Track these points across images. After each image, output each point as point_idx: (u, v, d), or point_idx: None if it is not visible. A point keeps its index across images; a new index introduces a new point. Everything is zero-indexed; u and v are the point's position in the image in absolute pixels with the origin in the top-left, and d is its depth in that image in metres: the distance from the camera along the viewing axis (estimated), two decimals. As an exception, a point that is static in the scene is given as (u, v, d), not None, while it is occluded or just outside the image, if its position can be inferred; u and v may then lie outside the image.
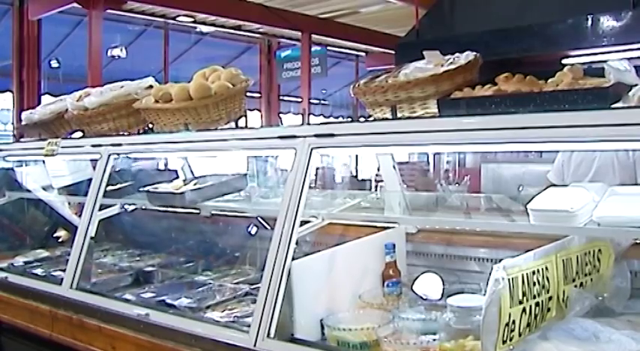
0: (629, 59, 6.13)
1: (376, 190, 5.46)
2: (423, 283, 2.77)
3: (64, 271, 3.83)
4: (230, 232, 4.09)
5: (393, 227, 3.16)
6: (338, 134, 2.68)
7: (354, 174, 12.13)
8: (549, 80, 2.44)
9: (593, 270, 2.55)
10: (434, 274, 2.79)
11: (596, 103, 2.14)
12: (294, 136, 2.78)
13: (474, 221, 2.89)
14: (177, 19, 10.38)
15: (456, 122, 2.41)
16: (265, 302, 2.59)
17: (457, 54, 2.78)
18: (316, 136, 2.71)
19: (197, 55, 12.94)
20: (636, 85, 2.13)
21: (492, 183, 6.21)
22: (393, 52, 8.39)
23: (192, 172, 4.19)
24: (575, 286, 2.44)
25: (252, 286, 3.36)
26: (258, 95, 13.48)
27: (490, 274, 2.10)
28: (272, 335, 2.55)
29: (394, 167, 3.22)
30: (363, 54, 10.24)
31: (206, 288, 3.45)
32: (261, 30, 9.76)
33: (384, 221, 3.13)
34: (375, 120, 2.74)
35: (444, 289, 2.80)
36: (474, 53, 2.71)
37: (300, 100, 12.63)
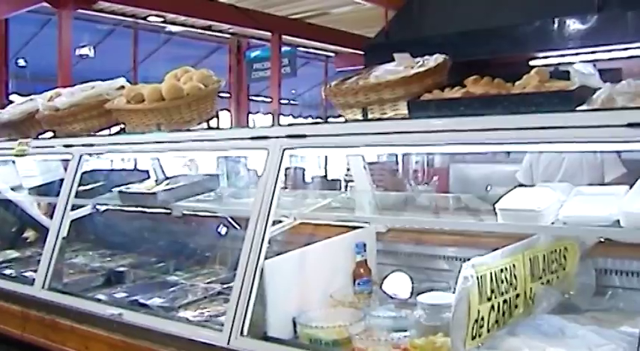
0: (594, 62, 6.29)
1: (346, 189, 5.49)
2: (392, 283, 2.84)
3: (34, 271, 3.83)
4: (201, 232, 4.11)
5: (363, 227, 3.21)
6: (310, 135, 2.72)
7: (324, 174, 12.19)
8: (517, 83, 2.50)
9: (559, 268, 2.62)
10: (403, 273, 2.84)
11: (561, 105, 2.20)
12: (266, 137, 2.82)
13: (444, 220, 2.94)
14: (148, 19, 10.34)
15: (426, 124, 2.46)
16: (238, 301, 2.62)
17: (427, 56, 2.84)
18: (288, 136, 2.75)
19: (166, 54, 12.89)
20: (600, 88, 2.20)
21: (460, 183, 6.29)
22: (362, 52, 8.47)
23: (163, 172, 4.20)
24: (542, 283, 2.50)
25: (224, 286, 3.39)
26: (228, 95, 13.46)
27: (459, 272, 2.15)
28: (245, 333, 2.58)
29: (365, 167, 3.27)
30: (332, 55, 10.28)
31: (178, 288, 3.47)
32: (230, 30, 9.76)
33: (355, 221, 3.17)
34: (346, 121, 2.78)
35: (413, 287, 2.85)
36: (443, 56, 2.77)
37: (269, 100, 12.65)
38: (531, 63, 6.51)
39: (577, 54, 5.76)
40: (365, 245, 3.05)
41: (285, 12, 7.12)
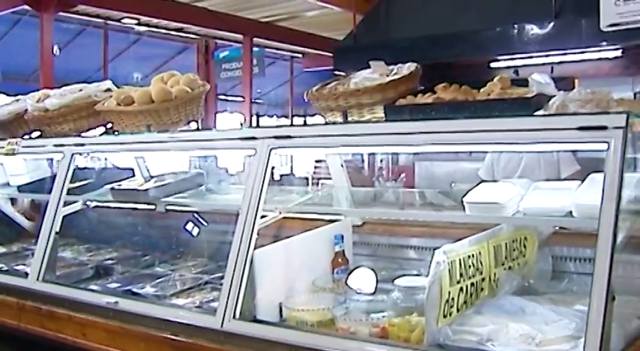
0: (551, 64, 6.60)
1: (316, 186, 5.75)
2: (357, 277, 3.03)
3: (24, 265, 4.04)
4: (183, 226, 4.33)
5: (340, 220, 3.49)
6: (294, 136, 2.98)
7: (290, 172, 12.43)
8: (482, 90, 2.79)
9: (520, 255, 2.91)
10: (367, 268, 3.04)
11: (521, 110, 2.50)
12: (254, 138, 3.07)
13: (417, 213, 3.23)
14: (122, 21, 10.48)
15: (401, 126, 2.74)
16: (230, 287, 2.87)
17: (400, 64, 3.11)
18: (275, 137, 3.00)
19: (135, 54, 13.02)
20: (555, 95, 2.50)
21: (425, 180, 6.57)
22: (329, 53, 8.72)
23: (148, 170, 4.42)
24: (505, 269, 2.79)
25: (211, 276, 3.64)
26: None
27: (431, 258, 2.43)
28: (237, 317, 2.83)
29: (342, 165, 3.54)
30: (297, 55, 10.50)
31: (167, 278, 3.70)
32: (200, 32, 9.93)
33: (334, 214, 3.44)
34: (326, 123, 3.05)
35: (385, 274, 3.11)
36: (415, 64, 3.04)
37: (239, 99, 12.82)
38: (492, 65, 6.83)
39: (534, 57, 6.09)
40: (343, 237, 3.32)
41: (256, 15, 7.35)
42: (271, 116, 18.13)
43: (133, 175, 4.44)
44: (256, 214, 2.93)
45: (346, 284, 3.01)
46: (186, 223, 4.19)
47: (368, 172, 9.43)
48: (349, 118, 2.96)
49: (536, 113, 2.48)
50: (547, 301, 2.68)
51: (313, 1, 6.64)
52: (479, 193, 2.77)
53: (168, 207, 4.22)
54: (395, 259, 3.47)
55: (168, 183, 3.80)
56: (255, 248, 2.91)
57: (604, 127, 2.23)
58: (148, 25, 7.74)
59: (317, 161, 9.23)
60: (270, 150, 2.99)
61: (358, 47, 6.60)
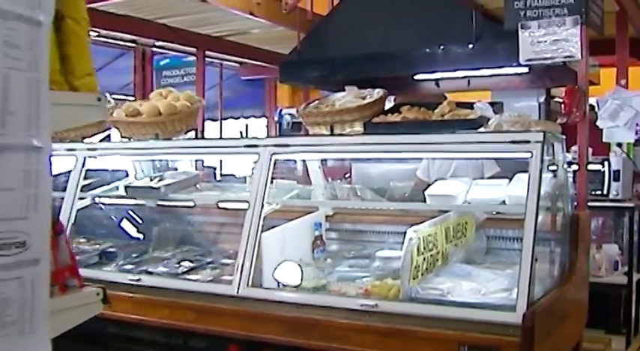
0: (468, 78, 7.61)
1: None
2: (283, 271, 3.73)
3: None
4: (173, 219, 5.10)
5: (316, 210, 4.35)
6: (292, 145, 3.84)
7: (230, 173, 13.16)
8: (435, 111, 3.71)
9: (462, 235, 3.85)
10: (292, 262, 3.75)
11: (468, 128, 3.43)
12: (257, 146, 3.90)
13: (387, 203, 4.14)
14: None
15: (376, 138, 3.64)
16: (243, 262, 3.69)
17: (369, 89, 4.00)
18: (275, 145, 3.85)
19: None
20: (492, 117, 3.44)
21: (362, 179, 7.38)
22: (267, 64, 9.48)
23: (142, 170, 5.15)
24: (453, 245, 3.72)
25: (208, 259, 4.43)
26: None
27: (404, 234, 3.32)
28: (249, 285, 3.67)
29: (319, 167, 4.41)
30: (229, 63, 11.09)
31: (171, 261, 4.46)
32: (138, 40, 10.50)
33: (318, 205, 4.31)
34: (315, 135, 3.92)
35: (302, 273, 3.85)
36: (383, 90, 3.93)
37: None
38: (415, 77, 7.74)
39: (455, 70, 7.02)
40: (321, 224, 4.20)
41: (208, 31, 8.07)
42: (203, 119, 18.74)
43: (127, 176, 5.16)
44: (262, 205, 3.77)
45: (273, 277, 3.67)
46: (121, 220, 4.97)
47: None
48: (335, 132, 3.82)
49: (479, 130, 3.41)
50: (485, 268, 3.63)
51: (261, 20, 7.42)
52: (436, 188, 3.70)
53: (159, 202, 4.99)
54: (361, 241, 4.36)
55: (176, 182, 4.56)
56: (262, 232, 3.75)
57: (528, 141, 3.18)
58: (100, 35, 8.26)
59: (254, 162, 9.96)
60: (272, 155, 3.83)
61: (302, 62, 7.23)
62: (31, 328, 1.42)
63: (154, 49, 10.51)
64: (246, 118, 13.23)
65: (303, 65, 7.16)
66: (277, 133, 12.23)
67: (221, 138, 4.35)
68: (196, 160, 6.20)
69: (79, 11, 1.60)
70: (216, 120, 14.44)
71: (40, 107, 1.38)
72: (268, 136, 4.05)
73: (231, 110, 14.98)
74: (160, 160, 6.11)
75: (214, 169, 12.11)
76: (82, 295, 1.71)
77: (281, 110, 12.84)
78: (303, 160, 4.54)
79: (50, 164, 1.44)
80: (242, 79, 11.36)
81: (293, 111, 12.50)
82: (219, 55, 9.03)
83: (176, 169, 5.32)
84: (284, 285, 3.68)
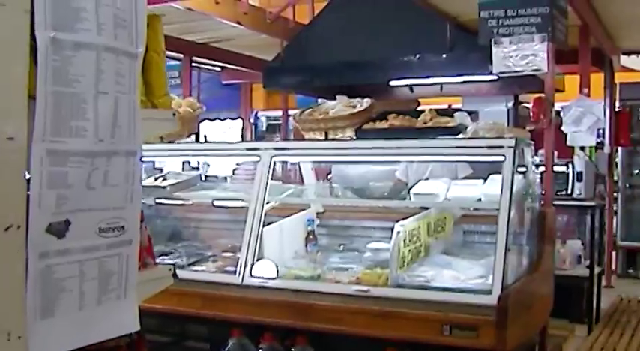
0: (441, 84, 8.06)
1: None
2: (260, 267, 4.12)
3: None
4: (173, 216, 5.47)
5: (309, 208, 4.77)
6: (290, 148, 4.26)
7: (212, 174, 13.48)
8: (419, 119, 4.15)
9: (442, 230, 4.29)
10: (268, 260, 4.13)
11: (449, 134, 3.88)
12: (258, 149, 4.31)
13: (371, 201, 4.57)
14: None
15: (367, 143, 4.07)
16: (247, 254, 4.09)
17: (358, 99, 4.42)
18: (275, 149, 4.26)
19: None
20: (469, 126, 3.89)
21: (343, 180, 7.78)
22: (247, 69, 9.84)
23: (145, 171, 5.52)
24: (434, 238, 4.16)
25: (208, 252, 4.82)
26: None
27: (391, 230, 3.76)
28: (252, 275, 4.07)
29: (311, 169, 4.82)
30: (206, 66, 11.31)
31: (175, 254, 4.84)
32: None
33: (311, 203, 4.72)
34: (312, 140, 4.34)
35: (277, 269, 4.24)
36: (372, 100, 4.36)
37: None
38: (391, 83, 8.15)
39: (430, 77, 7.44)
40: (313, 220, 4.61)
41: (194, 38, 8.42)
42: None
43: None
44: (264, 203, 4.18)
45: (251, 275, 4.04)
46: (169, 213, 5.35)
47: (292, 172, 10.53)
48: (329, 137, 4.25)
49: (458, 136, 3.86)
50: (463, 259, 4.08)
51: (245, 29, 7.81)
52: (420, 187, 4.15)
53: (157, 201, 5.37)
54: (348, 236, 4.79)
55: (180, 182, 4.95)
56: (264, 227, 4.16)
57: (502, 147, 3.64)
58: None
59: (237, 164, 10.34)
60: (272, 157, 4.24)
61: (285, 68, 7.59)
62: (124, 294, 1.83)
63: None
64: (222, 120, 13.51)
65: (286, 71, 7.54)
66: (253, 135, 12.64)
67: (225, 142, 4.70)
68: (183, 162, 6.59)
69: (159, 45, 2.01)
70: (194, 122, 14.63)
71: (136, 121, 1.79)
72: (268, 141, 4.39)
73: (207, 112, 15.29)
74: (147, 162, 6.53)
75: (197, 169, 12.51)
76: (157, 270, 2.11)
77: (257, 112, 13.25)
78: (296, 163, 4.94)
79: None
80: (222, 82, 11.68)
81: (269, 113, 12.94)
82: (204, 60, 9.36)
83: (161, 170, 5.69)
84: (263, 277, 4.05)
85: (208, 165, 8.01)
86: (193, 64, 9.46)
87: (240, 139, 12.27)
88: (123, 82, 1.74)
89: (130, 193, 1.80)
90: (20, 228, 1.51)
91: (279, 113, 10.24)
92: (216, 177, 9.94)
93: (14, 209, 1.50)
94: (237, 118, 13.34)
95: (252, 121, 13.22)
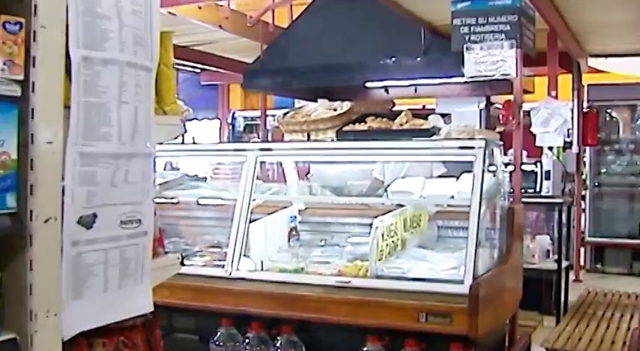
0: (416, 86, 8.33)
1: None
2: (244, 264, 4.37)
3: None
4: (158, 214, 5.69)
5: (291, 205, 5.02)
6: (275, 149, 4.51)
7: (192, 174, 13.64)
8: (395, 121, 4.42)
9: (418, 225, 4.57)
10: (248, 258, 4.37)
11: (423, 136, 4.15)
12: (244, 150, 4.55)
13: (351, 199, 4.83)
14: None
15: (347, 144, 4.33)
16: (235, 249, 4.33)
17: (339, 102, 4.68)
18: (260, 149, 4.51)
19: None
20: (442, 127, 4.17)
21: (321, 179, 8.03)
22: (226, 71, 10.05)
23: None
24: (410, 233, 4.43)
25: (195, 248, 5.06)
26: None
27: (370, 226, 4.02)
28: (239, 268, 4.31)
29: (294, 168, 5.08)
30: (183, 68, 11.44)
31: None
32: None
33: (290, 200, 4.98)
34: (295, 141, 4.59)
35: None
36: (352, 103, 4.62)
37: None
38: (367, 85, 8.39)
39: (405, 80, 7.69)
40: (295, 217, 4.87)
41: (176, 41, 8.60)
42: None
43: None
44: (250, 200, 4.42)
45: (238, 268, 4.30)
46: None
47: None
48: (311, 138, 4.51)
49: (433, 138, 4.14)
50: (437, 252, 4.35)
51: (226, 33, 8.04)
52: (397, 185, 4.42)
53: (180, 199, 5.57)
54: (328, 231, 5.04)
55: (169, 181, 5.18)
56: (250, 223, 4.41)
57: (473, 147, 3.92)
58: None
59: (218, 164, 10.54)
60: (257, 158, 4.48)
61: (264, 70, 7.78)
62: (141, 279, 2.08)
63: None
64: (200, 120, 13.63)
65: (265, 73, 7.75)
66: (230, 136, 12.80)
67: (215, 142, 4.92)
68: (165, 163, 6.81)
69: (169, 59, 2.26)
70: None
71: (151, 126, 2.04)
72: (254, 142, 4.63)
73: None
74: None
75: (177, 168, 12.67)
76: (167, 258, 2.36)
77: (234, 113, 13.42)
78: (279, 163, 5.19)
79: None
80: (200, 83, 11.85)
81: (246, 113, 13.12)
82: (184, 62, 9.56)
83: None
84: (248, 270, 4.31)
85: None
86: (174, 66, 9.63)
87: (217, 140, 12.43)
88: (141, 92, 1.98)
89: (146, 189, 2.05)
90: (57, 220, 1.75)
91: (256, 113, 10.42)
92: (196, 176, 10.17)
93: (52, 204, 1.74)
94: (214, 119, 13.47)
95: (229, 121, 13.36)
